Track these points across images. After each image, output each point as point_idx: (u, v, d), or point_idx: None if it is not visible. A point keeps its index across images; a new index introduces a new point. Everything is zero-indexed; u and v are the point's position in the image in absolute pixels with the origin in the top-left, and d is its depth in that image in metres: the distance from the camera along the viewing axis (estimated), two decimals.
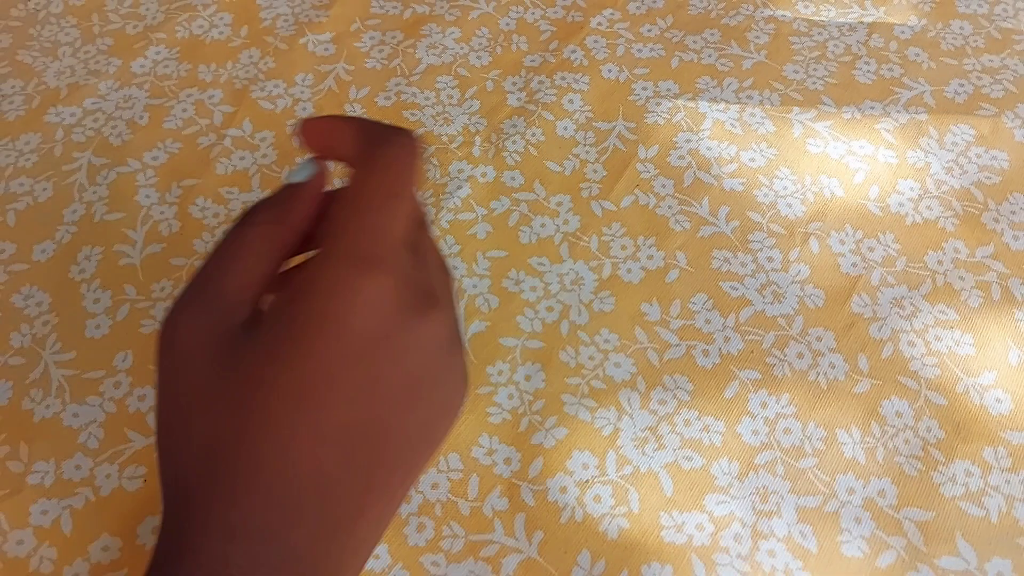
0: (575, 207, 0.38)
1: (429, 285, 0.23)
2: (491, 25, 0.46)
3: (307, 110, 0.42)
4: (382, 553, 0.29)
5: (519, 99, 0.42)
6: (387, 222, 0.23)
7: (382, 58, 0.45)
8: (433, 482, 0.31)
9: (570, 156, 0.40)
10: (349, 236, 0.23)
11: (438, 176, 0.39)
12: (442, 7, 0.47)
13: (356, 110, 0.42)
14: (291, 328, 0.21)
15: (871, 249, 0.36)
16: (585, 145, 0.40)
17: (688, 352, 0.33)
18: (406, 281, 0.22)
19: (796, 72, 0.43)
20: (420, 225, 0.26)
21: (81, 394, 0.33)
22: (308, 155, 0.26)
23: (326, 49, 0.45)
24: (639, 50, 0.44)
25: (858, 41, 0.44)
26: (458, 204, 0.38)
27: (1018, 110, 0.40)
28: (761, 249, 0.36)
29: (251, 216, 0.24)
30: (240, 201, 0.39)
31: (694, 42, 0.44)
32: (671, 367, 0.33)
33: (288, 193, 0.25)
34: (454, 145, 0.41)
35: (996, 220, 0.37)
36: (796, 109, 0.41)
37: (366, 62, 0.44)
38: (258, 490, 0.20)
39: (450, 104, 0.42)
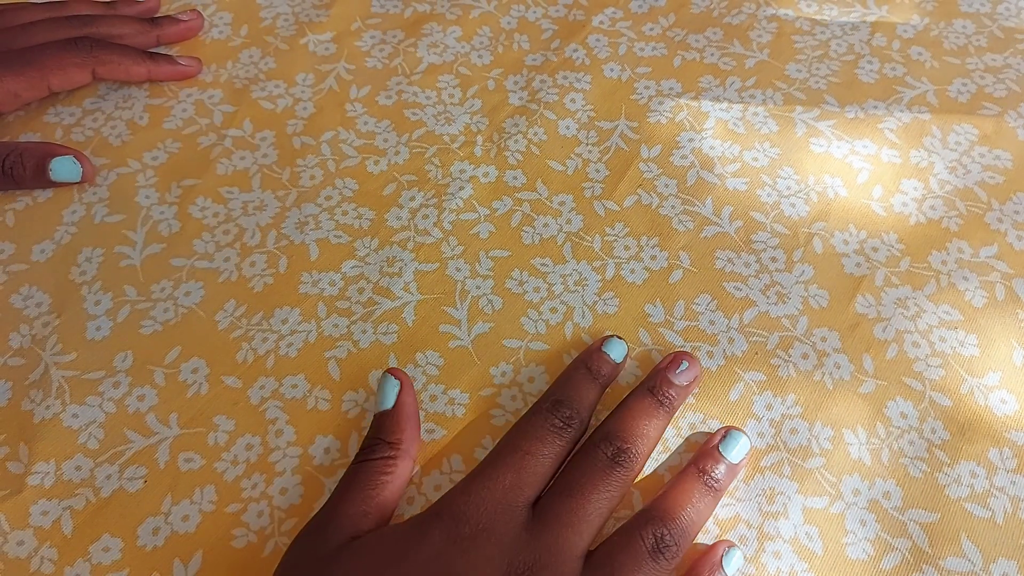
0: (578, 207, 0.38)
1: (520, 559, 0.26)
2: (492, 24, 0.46)
3: (308, 110, 0.42)
4: None
5: (521, 98, 0.42)
6: (484, 484, 0.27)
7: (383, 57, 0.44)
8: (436, 484, 0.30)
9: (572, 155, 0.40)
10: (447, 494, 0.28)
11: (440, 176, 0.39)
12: (443, 6, 0.47)
13: (357, 109, 0.42)
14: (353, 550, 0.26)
15: (875, 249, 0.36)
16: (587, 144, 0.40)
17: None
18: (502, 547, 0.26)
19: (799, 71, 0.42)
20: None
21: (81, 395, 0.33)
22: (385, 373, 0.32)
23: (327, 48, 0.45)
24: (641, 49, 0.44)
25: (861, 40, 0.44)
26: (460, 204, 0.38)
27: (1021, 109, 0.40)
28: (765, 249, 0.36)
29: (362, 453, 0.29)
30: (240, 201, 0.38)
31: (696, 41, 0.44)
32: None
33: (389, 422, 0.30)
34: (456, 145, 0.40)
35: (1000, 220, 0.37)
36: (799, 108, 0.41)
37: (367, 61, 0.44)
38: None
39: (451, 103, 0.42)
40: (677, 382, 0.31)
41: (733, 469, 0.29)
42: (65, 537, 0.30)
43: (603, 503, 0.27)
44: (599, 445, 0.28)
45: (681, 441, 0.31)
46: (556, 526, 0.26)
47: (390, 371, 0.32)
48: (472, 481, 0.28)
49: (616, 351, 0.32)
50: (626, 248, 0.36)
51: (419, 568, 0.25)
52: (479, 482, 0.27)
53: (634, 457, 0.28)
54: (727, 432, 0.30)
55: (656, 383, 0.30)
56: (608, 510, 0.27)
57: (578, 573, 0.26)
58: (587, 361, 0.31)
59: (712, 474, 0.28)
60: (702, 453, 0.29)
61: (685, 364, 0.31)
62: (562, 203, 0.38)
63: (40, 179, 0.38)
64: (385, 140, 0.41)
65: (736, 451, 0.29)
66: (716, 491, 0.28)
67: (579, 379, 0.31)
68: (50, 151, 0.38)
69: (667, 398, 0.30)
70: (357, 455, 0.30)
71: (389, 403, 0.30)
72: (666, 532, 0.27)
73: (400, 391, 0.31)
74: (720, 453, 0.29)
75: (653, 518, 0.27)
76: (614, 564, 0.26)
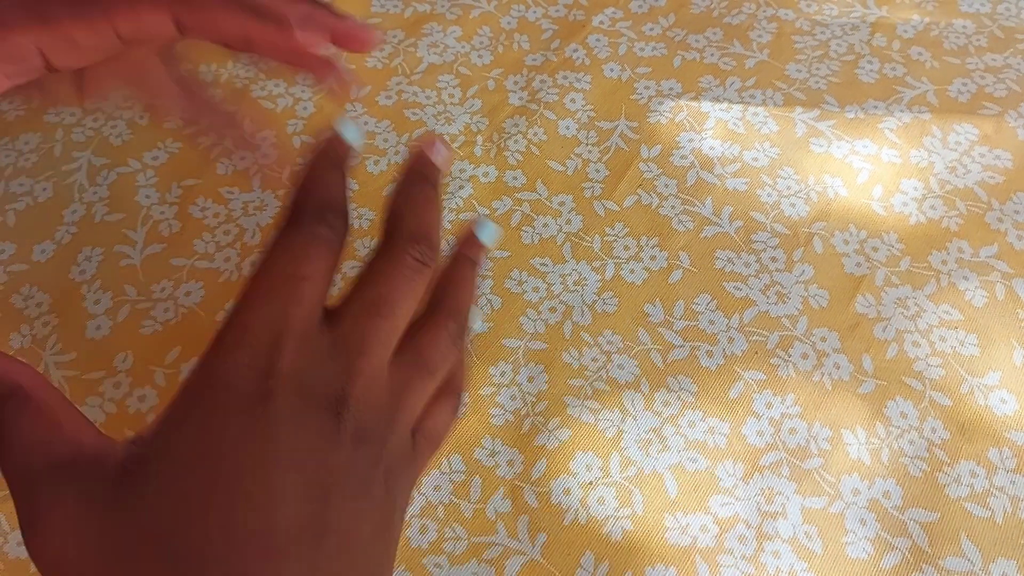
0: (577, 207, 0.38)
1: (339, 389, 0.22)
2: (492, 24, 0.46)
3: (308, 109, 0.42)
4: None
5: (521, 98, 0.42)
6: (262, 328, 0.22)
7: (383, 57, 0.44)
8: (435, 484, 0.31)
9: (572, 155, 0.40)
10: (216, 353, 0.22)
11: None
12: (443, 6, 0.47)
13: (357, 110, 0.42)
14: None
15: (875, 249, 0.36)
16: (587, 144, 0.40)
17: (692, 353, 0.33)
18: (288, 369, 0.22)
19: (799, 71, 0.42)
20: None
21: (81, 395, 0.33)
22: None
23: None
24: (641, 49, 0.44)
25: (861, 40, 0.44)
26: (460, 204, 0.38)
27: (1021, 109, 0.40)
28: (764, 249, 0.36)
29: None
30: (240, 201, 0.38)
31: (696, 41, 0.44)
32: (675, 368, 0.33)
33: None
34: (456, 145, 0.40)
35: (1000, 220, 0.37)
36: (799, 108, 0.41)
37: (367, 61, 0.44)
38: None
39: (451, 103, 0.42)
40: (435, 161, 0.28)
41: (485, 249, 0.29)
42: None
43: (410, 307, 0.25)
44: (406, 249, 0.25)
45: (682, 439, 0.31)
46: (368, 347, 0.23)
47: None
48: (246, 332, 0.22)
49: (351, 134, 0.27)
50: (626, 248, 0.36)
51: (236, 443, 0.21)
52: (253, 333, 0.22)
53: (437, 251, 0.26)
54: (479, 222, 0.29)
55: (413, 164, 0.27)
56: (413, 311, 0.25)
57: (387, 377, 0.24)
58: (328, 153, 0.27)
59: (473, 257, 0.28)
60: (466, 242, 0.28)
61: (437, 143, 0.28)
62: (562, 203, 0.38)
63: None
64: (385, 140, 0.41)
65: (487, 234, 0.29)
66: (476, 265, 0.28)
67: (332, 177, 0.26)
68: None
69: (433, 174, 0.27)
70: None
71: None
72: (460, 316, 0.26)
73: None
74: (476, 236, 0.28)
75: (444, 310, 0.26)
76: (419, 348, 0.25)
